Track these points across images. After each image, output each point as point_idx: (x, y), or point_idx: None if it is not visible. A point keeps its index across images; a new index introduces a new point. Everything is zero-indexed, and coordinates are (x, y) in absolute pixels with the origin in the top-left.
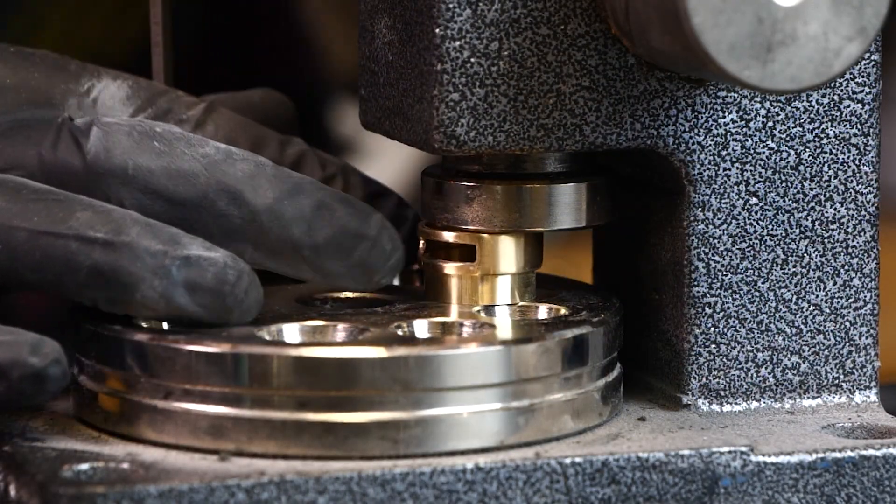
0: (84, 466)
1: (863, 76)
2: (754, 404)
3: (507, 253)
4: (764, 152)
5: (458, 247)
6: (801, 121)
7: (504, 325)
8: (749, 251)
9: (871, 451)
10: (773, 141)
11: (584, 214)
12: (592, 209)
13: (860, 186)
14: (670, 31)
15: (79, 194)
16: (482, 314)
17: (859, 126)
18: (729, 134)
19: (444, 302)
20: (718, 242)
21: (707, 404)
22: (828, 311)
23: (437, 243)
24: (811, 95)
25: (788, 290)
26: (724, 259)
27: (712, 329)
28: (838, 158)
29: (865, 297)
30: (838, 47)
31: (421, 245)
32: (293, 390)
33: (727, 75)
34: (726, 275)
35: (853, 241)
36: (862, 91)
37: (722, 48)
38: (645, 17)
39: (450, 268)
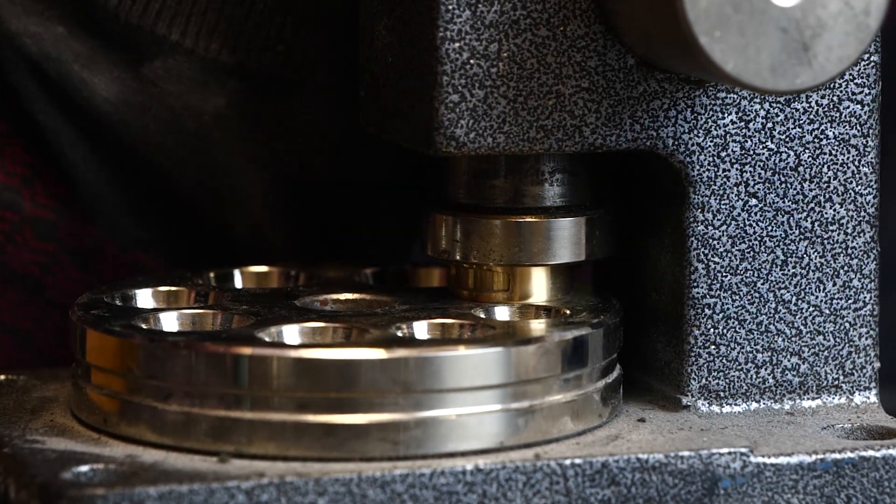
0: (84, 468)
1: (862, 77)
2: (754, 405)
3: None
4: (763, 153)
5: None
6: (801, 122)
7: (503, 327)
8: (748, 252)
9: (870, 452)
10: (772, 142)
11: (583, 248)
12: (591, 243)
13: (860, 187)
14: (713, 76)
15: None
16: (482, 315)
17: (859, 127)
18: (728, 135)
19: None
20: (718, 243)
21: (707, 405)
22: (827, 312)
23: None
24: (810, 96)
25: (788, 291)
26: (723, 260)
27: (712, 330)
28: (838, 159)
29: (865, 297)
30: (865, 5)
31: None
32: (293, 392)
33: (782, 93)
34: (726, 276)
35: (853, 241)
36: (861, 92)
37: (765, 74)
38: (682, 64)
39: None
